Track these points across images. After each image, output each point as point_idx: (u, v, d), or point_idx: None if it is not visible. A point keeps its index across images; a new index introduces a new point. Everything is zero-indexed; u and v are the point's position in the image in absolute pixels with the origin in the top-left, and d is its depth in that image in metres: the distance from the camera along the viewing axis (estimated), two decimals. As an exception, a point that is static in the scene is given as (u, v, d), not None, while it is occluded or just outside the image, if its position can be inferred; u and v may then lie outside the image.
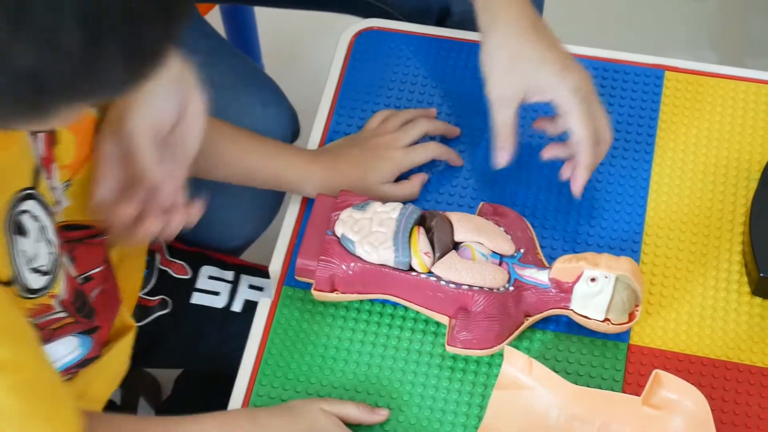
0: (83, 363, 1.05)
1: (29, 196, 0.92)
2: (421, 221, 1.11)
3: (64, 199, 0.99)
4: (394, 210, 1.10)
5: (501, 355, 1.09)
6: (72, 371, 1.05)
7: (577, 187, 1.14)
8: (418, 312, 1.12)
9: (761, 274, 1.10)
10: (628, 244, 1.16)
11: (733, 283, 1.14)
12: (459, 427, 1.06)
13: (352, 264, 1.09)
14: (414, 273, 1.09)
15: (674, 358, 1.10)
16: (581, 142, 1.11)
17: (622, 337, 1.11)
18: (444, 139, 1.23)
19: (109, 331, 1.09)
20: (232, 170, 1.17)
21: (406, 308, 1.12)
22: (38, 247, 0.92)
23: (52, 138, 0.95)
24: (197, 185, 1.28)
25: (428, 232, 1.10)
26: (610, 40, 1.90)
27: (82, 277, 1.02)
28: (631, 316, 1.08)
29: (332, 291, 1.11)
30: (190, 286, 1.27)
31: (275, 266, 1.16)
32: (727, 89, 1.26)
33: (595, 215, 1.18)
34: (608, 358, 1.10)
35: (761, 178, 1.16)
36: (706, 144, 1.22)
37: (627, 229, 1.17)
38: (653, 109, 1.24)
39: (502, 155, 1.14)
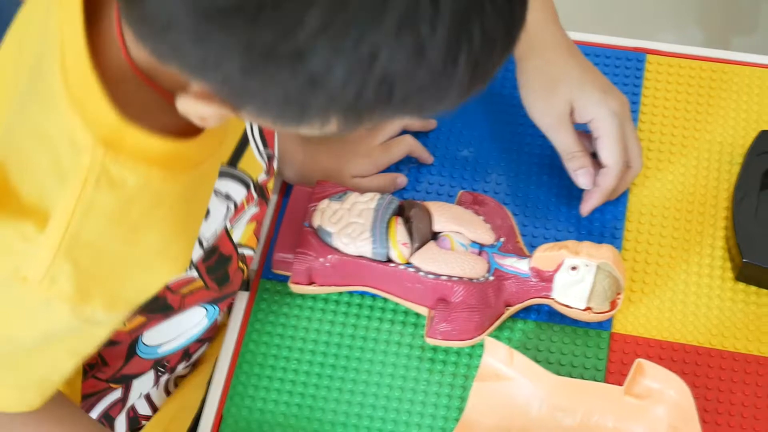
0: (203, 340, 1.04)
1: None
2: (400, 211, 1.10)
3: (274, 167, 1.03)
4: (372, 200, 1.09)
5: (482, 346, 1.07)
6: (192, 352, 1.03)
7: (586, 208, 1.13)
8: (397, 304, 1.10)
9: (744, 260, 1.09)
10: (610, 231, 1.15)
11: (717, 269, 1.12)
12: (440, 420, 1.05)
13: (330, 256, 1.07)
14: (392, 264, 1.07)
15: (657, 345, 1.08)
16: (610, 167, 1.10)
17: (605, 325, 1.09)
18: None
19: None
20: None
21: (385, 300, 1.11)
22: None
23: None
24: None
25: (407, 222, 1.08)
26: (593, 22, 1.88)
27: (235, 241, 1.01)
28: (613, 305, 1.07)
29: (310, 283, 1.09)
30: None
31: (253, 259, 1.14)
32: (710, 72, 1.24)
33: (577, 203, 1.16)
34: (590, 347, 1.08)
35: (744, 162, 1.15)
36: (688, 128, 1.21)
37: (609, 216, 1.15)
38: (634, 93, 1.22)
39: (584, 177, 1.12)
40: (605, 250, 1.05)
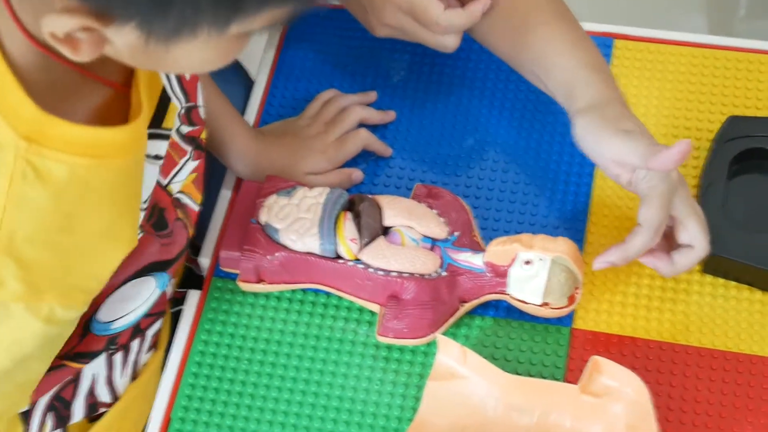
0: (154, 314, 1.02)
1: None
2: (350, 206, 1.06)
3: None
4: (321, 195, 1.05)
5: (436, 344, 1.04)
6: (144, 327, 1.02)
7: (599, 261, 1.01)
8: (352, 302, 1.07)
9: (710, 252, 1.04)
10: (573, 224, 1.11)
11: (683, 261, 1.08)
12: (393, 420, 1.02)
13: (277, 253, 1.04)
14: (341, 261, 1.03)
15: (619, 342, 1.04)
16: (642, 225, 0.98)
17: (565, 321, 1.05)
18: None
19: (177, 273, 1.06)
20: None
21: (339, 298, 1.07)
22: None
23: None
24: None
25: (356, 217, 1.05)
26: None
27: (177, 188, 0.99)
28: (572, 300, 1.03)
29: (259, 282, 1.06)
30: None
31: (204, 256, 1.11)
32: (679, 56, 1.20)
33: (540, 194, 1.12)
34: (550, 344, 1.05)
35: (711, 149, 1.10)
36: (656, 114, 1.16)
37: (572, 208, 1.11)
38: (602, 79, 1.18)
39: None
40: (560, 244, 1.01)
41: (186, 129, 0.97)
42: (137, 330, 1.02)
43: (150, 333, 1.05)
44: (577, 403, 0.98)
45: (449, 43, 1.09)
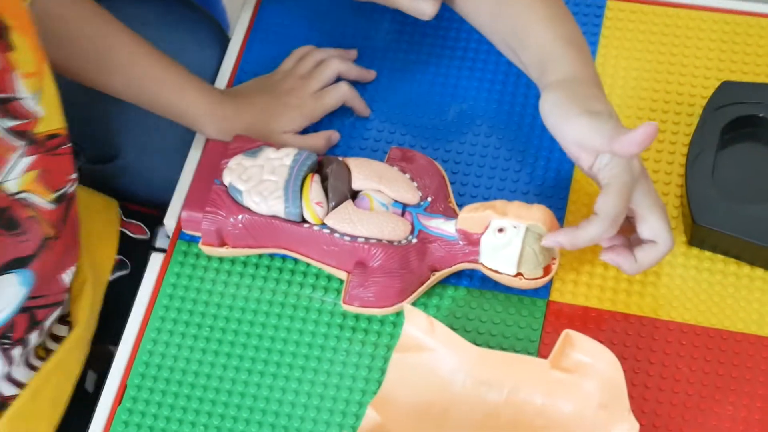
0: (32, 308, 0.98)
1: None
2: (318, 168, 1.01)
3: (39, 110, 0.91)
4: (287, 156, 1.00)
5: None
6: (26, 318, 0.97)
7: (547, 240, 0.95)
8: (320, 269, 1.02)
9: (696, 223, 0.99)
10: (556, 191, 1.05)
11: (669, 233, 1.03)
12: (357, 393, 0.97)
13: (241, 216, 0.99)
14: (306, 225, 0.99)
15: (598, 316, 0.99)
16: (599, 214, 0.92)
17: (541, 293, 1.00)
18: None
19: (54, 269, 1.02)
20: (130, 91, 1.08)
21: (307, 264, 1.03)
22: None
23: (5, 44, 0.86)
24: (132, 131, 1.20)
25: (324, 180, 1.00)
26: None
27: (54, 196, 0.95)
28: (547, 270, 0.98)
29: (221, 245, 1.01)
30: (148, 245, 1.18)
31: (170, 218, 1.07)
32: (675, 18, 1.14)
33: (522, 162, 1.07)
34: (524, 317, 1.00)
35: (701, 116, 1.04)
36: (647, 78, 1.11)
37: (554, 176, 1.06)
38: (592, 42, 1.13)
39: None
40: (535, 211, 0.96)
41: (10, 123, 0.90)
42: (33, 323, 0.97)
43: (48, 323, 1.01)
44: (548, 379, 0.93)
45: (426, 9, 1.03)
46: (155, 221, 1.20)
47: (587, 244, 0.94)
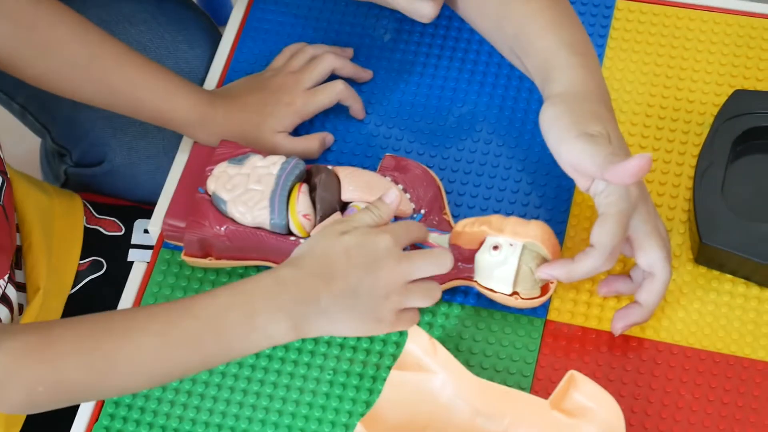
0: None
1: None
2: (307, 178, 0.97)
3: None
4: (274, 165, 0.96)
5: (398, 332, 0.95)
6: None
7: (541, 272, 0.91)
8: (308, 280, 0.97)
9: (703, 242, 0.94)
10: (557, 203, 1.00)
11: (675, 249, 0.97)
12: (343, 415, 0.93)
13: (225, 227, 0.95)
14: (293, 238, 0.94)
15: (597, 337, 0.95)
16: (595, 247, 0.88)
17: (539, 311, 0.96)
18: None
19: None
20: (115, 99, 1.03)
21: (295, 275, 0.98)
22: None
23: None
24: (119, 134, 1.16)
25: (313, 190, 0.95)
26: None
27: None
28: (545, 289, 0.93)
29: (205, 256, 0.97)
30: (125, 242, 1.14)
31: (154, 225, 1.02)
32: (687, 20, 1.08)
33: (522, 172, 1.02)
34: (521, 336, 0.95)
35: (712, 126, 0.99)
36: (656, 84, 1.05)
37: (555, 188, 1.01)
38: (599, 44, 1.07)
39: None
40: (533, 228, 0.91)
41: None
42: None
43: None
44: (548, 420, 0.89)
45: (426, 10, 0.98)
46: (131, 214, 1.16)
47: (584, 278, 0.89)
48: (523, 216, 1.00)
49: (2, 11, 0.97)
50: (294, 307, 0.86)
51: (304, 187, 0.95)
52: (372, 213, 0.90)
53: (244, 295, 0.86)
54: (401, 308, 0.89)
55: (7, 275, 0.99)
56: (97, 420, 0.94)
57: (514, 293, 0.93)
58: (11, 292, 0.99)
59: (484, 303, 0.96)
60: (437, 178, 0.99)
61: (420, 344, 0.93)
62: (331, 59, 1.06)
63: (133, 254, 1.14)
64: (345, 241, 0.87)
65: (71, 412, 0.95)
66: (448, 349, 0.93)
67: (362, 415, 0.92)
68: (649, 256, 0.89)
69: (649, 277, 0.91)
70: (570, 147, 0.88)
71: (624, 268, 0.97)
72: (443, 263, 0.89)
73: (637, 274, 0.94)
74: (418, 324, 0.93)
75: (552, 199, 1.01)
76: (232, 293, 0.86)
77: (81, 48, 1.00)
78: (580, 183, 0.90)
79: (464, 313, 0.96)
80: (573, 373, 0.87)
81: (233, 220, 0.95)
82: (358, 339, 0.95)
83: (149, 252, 1.11)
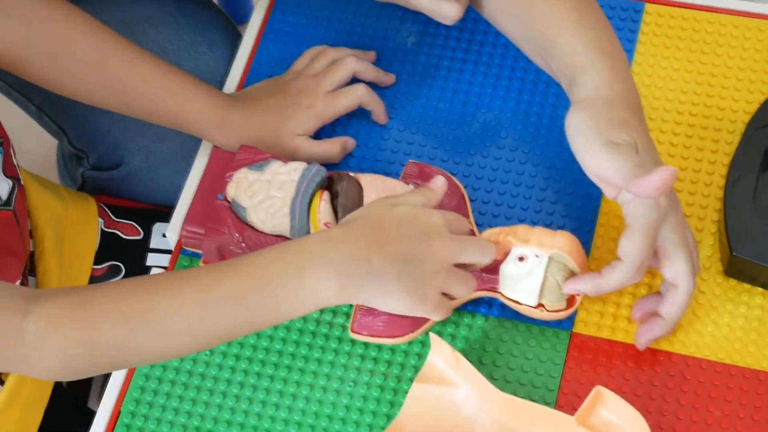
0: None
1: None
2: (328, 185, 0.95)
3: None
4: (295, 171, 0.94)
5: (420, 342, 0.93)
6: None
7: (568, 288, 0.90)
8: (328, 289, 0.96)
9: (733, 254, 0.92)
10: (583, 212, 0.98)
11: (704, 261, 0.95)
12: (364, 428, 0.91)
13: (245, 234, 0.93)
14: (314, 246, 0.92)
15: (624, 351, 0.92)
16: (623, 260, 0.87)
17: (564, 324, 0.94)
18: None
19: None
20: (129, 101, 1.01)
21: (316, 284, 0.96)
22: None
23: None
24: (136, 138, 1.14)
25: (334, 198, 0.93)
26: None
27: None
28: (571, 302, 0.91)
29: (224, 264, 0.95)
30: (143, 246, 1.12)
31: (172, 231, 1.00)
32: (718, 25, 1.06)
33: (548, 176, 1.00)
34: (546, 349, 0.93)
35: (743, 135, 0.97)
36: (686, 90, 1.03)
37: (582, 197, 0.99)
38: (628, 49, 1.05)
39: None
40: (560, 239, 0.89)
41: None
42: None
43: None
44: (573, 435, 0.87)
45: (450, 12, 0.96)
46: (150, 217, 1.14)
47: (612, 291, 0.87)
48: (549, 225, 0.98)
49: (12, 13, 0.96)
50: (343, 266, 0.82)
51: (326, 195, 0.93)
52: (420, 194, 0.88)
53: (291, 252, 0.83)
54: (443, 291, 0.87)
55: (19, 281, 0.97)
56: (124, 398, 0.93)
57: (540, 305, 0.91)
58: None
59: (508, 314, 0.94)
60: (461, 186, 0.97)
61: (442, 356, 0.91)
62: (353, 62, 1.04)
63: (151, 258, 1.12)
64: (398, 211, 0.85)
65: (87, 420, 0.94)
66: (471, 361, 0.91)
67: (383, 428, 0.90)
68: (675, 268, 0.87)
69: (671, 288, 0.89)
70: (595, 156, 0.86)
71: (651, 279, 0.95)
72: (489, 252, 0.88)
73: (664, 287, 0.91)
74: (441, 335, 0.91)
75: (578, 208, 0.98)
76: (278, 250, 0.83)
77: (93, 49, 0.99)
78: (607, 192, 0.88)
79: (488, 324, 0.94)
80: (599, 389, 0.85)
81: (253, 228, 0.93)
82: (380, 350, 0.93)
83: (168, 256, 1.09)
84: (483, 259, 0.88)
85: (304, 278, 0.82)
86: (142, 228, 1.13)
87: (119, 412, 0.93)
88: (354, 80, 1.05)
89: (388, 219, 0.84)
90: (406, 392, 0.91)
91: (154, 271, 1.00)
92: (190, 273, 0.83)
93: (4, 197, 0.96)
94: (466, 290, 0.88)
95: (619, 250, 0.86)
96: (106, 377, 0.96)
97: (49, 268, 1.03)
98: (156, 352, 0.83)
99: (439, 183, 0.90)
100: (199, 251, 0.96)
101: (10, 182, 0.97)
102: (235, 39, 1.19)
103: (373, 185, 0.93)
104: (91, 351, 0.80)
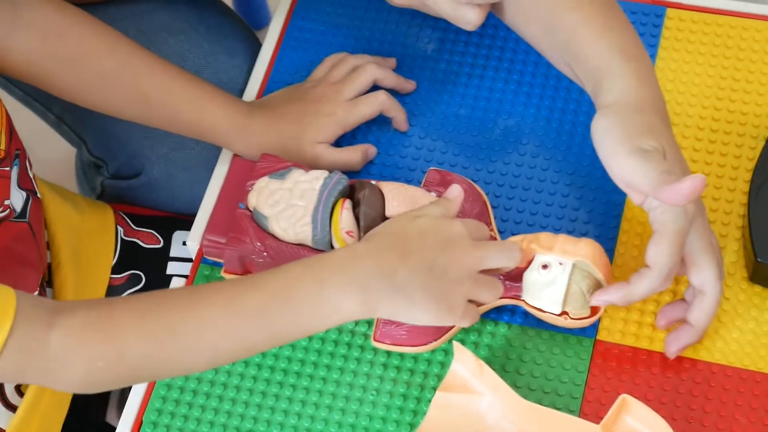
0: None
1: None
2: (350, 193, 0.94)
3: None
4: (317, 179, 0.93)
5: (443, 351, 0.93)
6: None
7: (596, 300, 0.89)
8: (350, 297, 0.95)
9: (758, 260, 0.91)
10: (606, 219, 0.98)
11: (728, 268, 0.95)
12: (387, 437, 0.90)
13: (266, 243, 0.93)
14: (336, 255, 0.92)
15: (649, 358, 0.92)
16: (652, 267, 0.86)
17: (588, 331, 0.93)
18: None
19: None
20: (148, 111, 1.01)
21: (337, 292, 0.96)
22: None
23: None
24: (156, 146, 1.14)
25: (356, 206, 0.93)
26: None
27: None
28: (595, 310, 0.90)
29: (245, 273, 0.95)
30: (164, 255, 1.12)
31: (192, 240, 1.00)
32: (740, 30, 1.05)
33: (570, 183, 1.00)
34: (569, 357, 0.92)
35: (766, 143, 0.96)
36: (708, 95, 1.02)
37: (604, 204, 0.98)
38: (649, 55, 1.04)
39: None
40: (584, 246, 0.89)
41: None
42: None
43: None
44: (597, 443, 0.86)
45: (471, 17, 0.95)
46: (169, 225, 1.14)
47: (641, 299, 0.86)
48: (571, 232, 0.97)
49: (29, 23, 0.96)
50: (366, 280, 0.82)
51: (348, 203, 0.93)
52: (439, 206, 0.88)
53: (314, 267, 0.83)
54: (469, 299, 0.87)
55: (37, 291, 0.97)
56: (146, 408, 0.92)
57: (564, 313, 0.90)
58: None
59: (531, 322, 0.94)
60: (483, 193, 0.97)
61: (466, 364, 0.90)
62: (373, 69, 1.04)
63: (172, 267, 1.12)
64: (419, 223, 0.86)
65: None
66: (495, 369, 0.90)
67: (406, 437, 0.90)
68: (702, 275, 0.87)
69: (699, 295, 0.88)
70: (622, 162, 0.85)
71: (675, 286, 0.94)
72: (514, 255, 0.87)
73: (689, 293, 0.91)
74: (464, 343, 0.90)
75: (601, 215, 0.98)
76: (301, 265, 0.83)
77: (110, 58, 0.99)
78: (634, 198, 0.87)
79: (511, 332, 0.94)
80: (625, 397, 0.85)
81: (275, 237, 0.93)
82: (402, 358, 0.93)
83: (189, 265, 1.08)
84: (508, 263, 0.88)
85: (325, 293, 0.82)
86: (162, 236, 1.13)
87: (141, 423, 0.93)
88: (375, 87, 1.04)
89: (410, 231, 0.84)
90: (429, 401, 0.91)
91: (174, 279, 0.99)
92: (213, 287, 0.83)
93: (19, 209, 0.96)
94: (493, 295, 0.87)
95: (647, 258, 0.85)
96: (125, 390, 0.96)
97: (66, 279, 1.03)
98: (180, 365, 0.83)
99: (455, 192, 0.89)
100: (221, 260, 0.96)
101: (25, 194, 0.97)
102: (255, 47, 1.18)
103: (395, 193, 0.93)
104: (116, 364, 0.80)
